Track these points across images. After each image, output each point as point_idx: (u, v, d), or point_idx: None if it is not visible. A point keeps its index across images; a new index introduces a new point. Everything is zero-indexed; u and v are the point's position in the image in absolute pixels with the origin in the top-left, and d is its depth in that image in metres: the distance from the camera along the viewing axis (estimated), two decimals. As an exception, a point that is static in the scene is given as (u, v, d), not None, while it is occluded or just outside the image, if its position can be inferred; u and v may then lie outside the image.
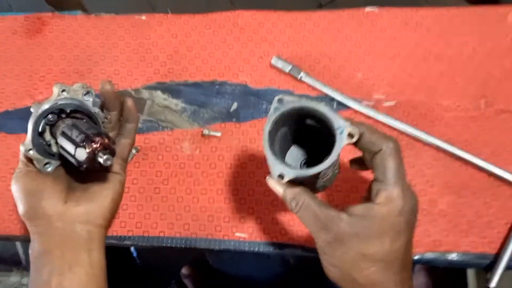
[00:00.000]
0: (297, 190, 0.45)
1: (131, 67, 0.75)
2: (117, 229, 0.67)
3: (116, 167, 0.54)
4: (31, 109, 0.50)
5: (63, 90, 0.50)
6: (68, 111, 0.50)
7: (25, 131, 0.71)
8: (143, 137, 0.71)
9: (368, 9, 0.74)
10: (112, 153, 0.46)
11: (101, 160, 0.45)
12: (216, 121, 0.71)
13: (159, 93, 0.73)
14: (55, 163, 0.52)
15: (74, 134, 0.46)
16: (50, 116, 0.50)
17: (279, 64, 0.72)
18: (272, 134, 0.44)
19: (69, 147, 0.46)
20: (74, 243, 0.50)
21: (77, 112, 0.51)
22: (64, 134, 0.48)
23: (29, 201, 0.49)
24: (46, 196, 0.50)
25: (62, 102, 0.50)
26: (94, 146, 0.44)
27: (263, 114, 0.71)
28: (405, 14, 0.73)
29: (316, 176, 0.45)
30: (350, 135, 0.41)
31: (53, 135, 0.51)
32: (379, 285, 0.43)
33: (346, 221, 0.43)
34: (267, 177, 0.46)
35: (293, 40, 0.74)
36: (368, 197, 0.45)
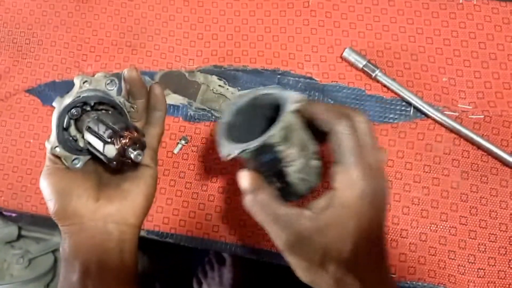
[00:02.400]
0: (259, 183, 0.40)
1: (187, 45, 0.68)
2: (159, 225, 0.62)
3: (147, 159, 0.50)
4: (54, 104, 0.46)
5: (85, 82, 0.47)
6: (92, 103, 0.47)
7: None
8: (194, 127, 0.65)
9: (464, -1, 0.63)
10: (143, 146, 0.44)
11: (132, 155, 0.42)
12: (274, 116, 0.64)
13: (215, 78, 0.66)
14: (83, 158, 0.49)
15: (101, 129, 0.43)
16: (73, 110, 0.46)
17: (352, 57, 0.63)
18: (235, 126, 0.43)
19: (97, 143, 0.43)
20: (106, 244, 0.47)
21: (101, 103, 0.48)
22: (90, 129, 0.44)
23: (59, 201, 0.46)
24: (76, 194, 0.46)
25: (84, 95, 0.46)
26: (123, 141, 0.42)
27: (328, 114, 0.63)
28: (508, 10, 0.62)
29: (278, 160, 0.39)
30: (297, 102, 0.38)
31: (79, 130, 0.48)
32: (349, 285, 0.37)
33: (307, 216, 0.38)
34: (238, 172, 0.41)
35: (371, 28, 0.65)
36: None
